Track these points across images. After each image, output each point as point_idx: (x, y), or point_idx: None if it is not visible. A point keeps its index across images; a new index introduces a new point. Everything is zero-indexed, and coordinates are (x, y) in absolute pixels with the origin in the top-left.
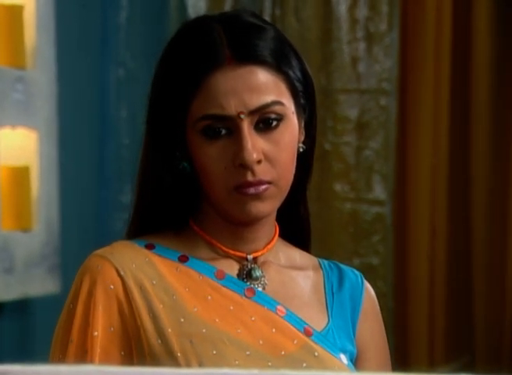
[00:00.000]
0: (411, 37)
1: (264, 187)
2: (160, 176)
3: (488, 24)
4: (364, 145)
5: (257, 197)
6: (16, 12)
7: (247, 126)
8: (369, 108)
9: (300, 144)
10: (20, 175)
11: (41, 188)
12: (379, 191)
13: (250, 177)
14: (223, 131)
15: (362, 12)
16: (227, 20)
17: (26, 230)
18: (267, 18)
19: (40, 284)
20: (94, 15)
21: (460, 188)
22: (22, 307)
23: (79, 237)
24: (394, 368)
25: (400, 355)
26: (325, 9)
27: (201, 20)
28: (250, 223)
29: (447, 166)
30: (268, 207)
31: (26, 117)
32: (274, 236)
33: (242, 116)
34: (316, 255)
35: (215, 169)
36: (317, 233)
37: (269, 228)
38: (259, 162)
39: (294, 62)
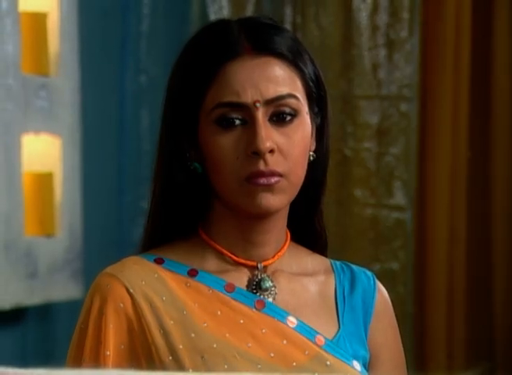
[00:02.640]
0: (431, 43)
1: (275, 179)
2: (172, 175)
3: (508, 30)
4: (385, 151)
5: (268, 189)
6: (40, 20)
7: (261, 116)
8: (390, 114)
9: (311, 153)
10: (44, 181)
11: (64, 194)
12: (400, 197)
13: (262, 166)
14: (237, 121)
15: (383, 18)
16: (245, 21)
17: (49, 235)
18: (288, 25)
19: (63, 289)
20: (115, 23)
21: (479, 193)
22: (45, 312)
23: (101, 243)
24: (414, 374)
25: (419, 361)
26: (345, 16)
27: (219, 21)
28: (260, 216)
29: (467, 172)
30: (278, 200)
31: (50, 124)
32: (284, 243)
33: (257, 104)
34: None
35: (228, 160)
36: (337, 238)
37: (279, 233)
38: (272, 152)
39: (309, 64)
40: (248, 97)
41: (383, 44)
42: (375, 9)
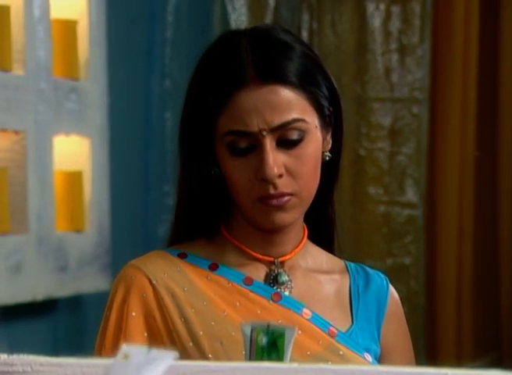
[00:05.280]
0: (442, 48)
1: (286, 198)
2: (193, 178)
3: None
4: (397, 151)
5: (280, 208)
6: (71, 27)
7: (269, 143)
8: (402, 116)
9: (326, 153)
10: (74, 179)
11: (93, 192)
12: (411, 195)
13: (271, 190)
14: (246, 148)
15: (395, 25)
16: (256, 37)
17: (79, 231)
18: (305, 31)
19: (92, 282)
20: (142, 30)
21: (486, 191)
22: (75, 303)
23: (128, 238)
24: (424, 364)
25: (429, 351)
26: (360, 23)
27: (231, 37)
28: (275, 230)
29: (475, 170)
30: (290, 217)
31: (80, 125)
32: (302, 239)
33: (264, 133)
34: (351, 255)
35: (240, 181)
36: (352, 234)
37: (297, 231)
38: (280, 176)
39: (320, 79)
40: (255, 126)
41: (396, 49)
42: (388, 16)
